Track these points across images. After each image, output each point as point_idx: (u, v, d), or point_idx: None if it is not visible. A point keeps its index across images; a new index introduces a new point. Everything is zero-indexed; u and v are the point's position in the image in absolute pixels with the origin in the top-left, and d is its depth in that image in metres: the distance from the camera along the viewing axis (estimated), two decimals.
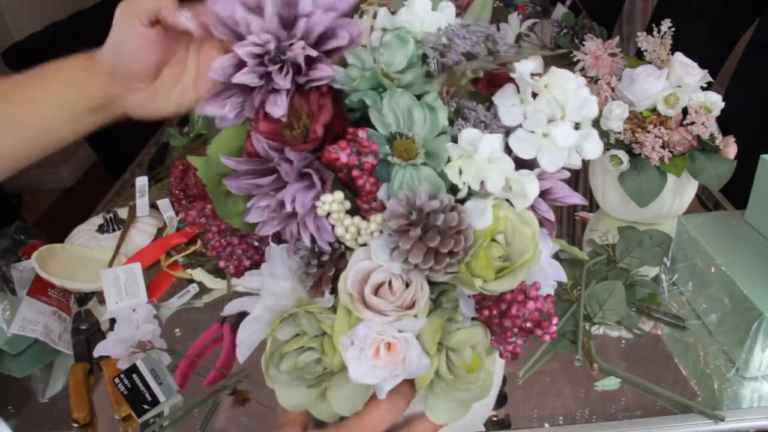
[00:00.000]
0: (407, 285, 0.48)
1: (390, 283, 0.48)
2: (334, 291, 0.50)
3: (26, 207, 2.85)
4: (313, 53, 0.47)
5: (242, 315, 0.91)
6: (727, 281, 0.78)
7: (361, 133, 0.46)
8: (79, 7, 1.91)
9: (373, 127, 0.48)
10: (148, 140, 1.61)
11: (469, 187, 0.47)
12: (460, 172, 0.47)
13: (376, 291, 0.48)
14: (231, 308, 0.57)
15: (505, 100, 0.49)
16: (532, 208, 0.50)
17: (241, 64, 0.47)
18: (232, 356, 0.84)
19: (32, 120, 0.56)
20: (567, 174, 0.52)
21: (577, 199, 0.52)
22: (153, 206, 1.13)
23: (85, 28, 1.87)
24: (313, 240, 0.48)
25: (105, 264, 1.00)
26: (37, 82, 0.58)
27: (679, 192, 1.01)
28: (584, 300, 0.83)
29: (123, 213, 1.11)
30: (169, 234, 1.06)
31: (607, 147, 1.00)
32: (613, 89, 1.00)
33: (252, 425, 0.76)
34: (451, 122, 0.50)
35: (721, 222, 0.89)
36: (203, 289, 0.99)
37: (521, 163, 0.48)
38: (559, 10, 1.76)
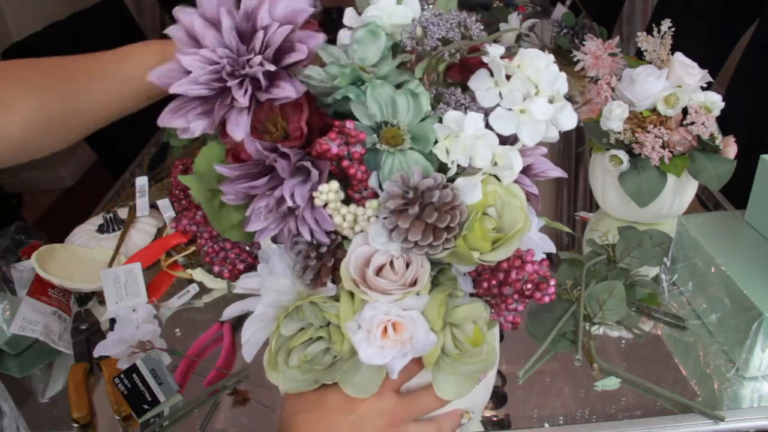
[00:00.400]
0: (407, 265, 0.50)
1: (391, 263, 0.50)
2: (335, 281, 0.52)
3: (26, 207, 2.85)
4: (272, 68, 0.48)
5: (242, 315, 0.91)
6: (727, 281, 0.78)
7: (349, 124, 0.48)
8: (79, 7, 1.91)
9: (348, 119, 0.50)
10: (148, 140, 1.61)
11: (457, 166, 0.49)
12: (447, 153, 0.49)
13: (378, 273, 0.50)
14: (231, 312, 0.57)
15: (480, 85, 0.52)
16: (516, 183, 0.52)
17: (186, 73, 0.48)
18: (232, 356, 0.85)
19: (136, 79, 0.64)
20: (545, 150, 0.54)
21: (557, 172, 0.55)
22: (153, 206, 1.13)
23: (85, 28, 1.87)
24: (311, 234, 0.50)
25: (105, 264, 1.00)
26: (138, 50, 0.66)
27: (679, 192, 1.01)
28: (584, 300, 0.83)
29: (123, 213, 1.11)
30: (169, 234, 1.06)
31: (607, 147, 1.00)
32: (613, 89, 1.00)
33: (252, 425, 0.76)
34: (432, 108, 0.52)
35: (721, 222, 0.89)
36: (203, 289, 0.99)
37: (502, 141, 0.51)
38: (559, 10, 1.76)
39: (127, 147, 1.75)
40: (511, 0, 1.91)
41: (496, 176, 0.52)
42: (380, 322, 0.48)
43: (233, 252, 0.60)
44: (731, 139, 0.97)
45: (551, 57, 0.52)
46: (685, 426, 0.70)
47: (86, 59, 0.67)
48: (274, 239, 0.53)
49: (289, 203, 0.48)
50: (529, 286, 0.50)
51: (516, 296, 0.50)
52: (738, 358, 0.77)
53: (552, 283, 0.50)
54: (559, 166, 0.57)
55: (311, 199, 0.49)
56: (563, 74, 0.52)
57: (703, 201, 1.15)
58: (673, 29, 0.98)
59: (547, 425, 0.72)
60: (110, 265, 0.99)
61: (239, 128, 0.48)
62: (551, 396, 0.76)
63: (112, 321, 0.87)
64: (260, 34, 0.48)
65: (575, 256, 0.90)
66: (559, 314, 0.83)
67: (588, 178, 1.12)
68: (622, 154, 0.98)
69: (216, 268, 0.61)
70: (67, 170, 3.08)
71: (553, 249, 0.55)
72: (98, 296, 0.97)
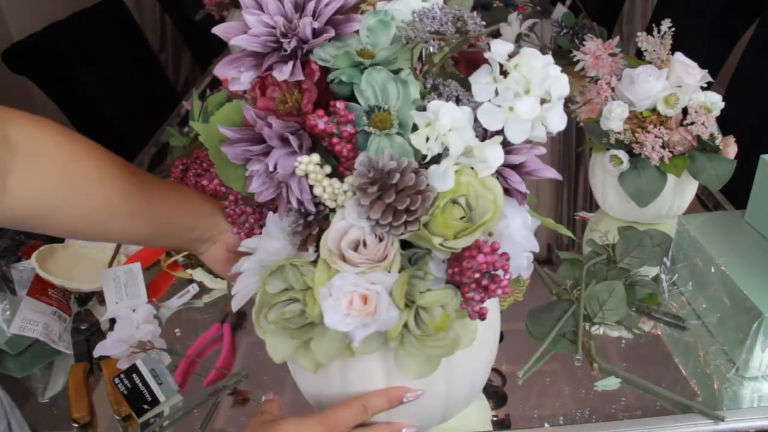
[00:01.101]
0: (380, 241, 0.53)
1: (364, 240, 0.53)
2: (317, 248, 0.55)
3: None
4: (317, 25, 0.54)
5: (242, 315, 0.92)
6: (727, 281, 0.78)
7: (339, 104, 0.51)
8: (79, 7, 1.91)
9: (350, 101, 0.53)
10: (148, 140, 1.61)
11: (437, 155, 0.51)
12: (427, 140, 0.51)
13: (356, 248, 0.53)
14: (236, 267, 0.62)
15: (480, 79, 0.53)
16: (504, 179, 0.54)
17: (245, 31, 0.54)
18: (232, 356, 0.85)
19: (166, 221, 0.66)
20: (543, 150, 0.55)
21: (551, 173, 0.55)
22: None
23: (85, 28, 1.87)
24: (299, 202, 0.54)
25: (105, 264, 0.99)
26: (176, 196, 0.68)
27: (679, 192, 1.01)
28: (584, 300, 0.83)
29: None
30: None
31: (607, 147, 1.00)
32: (613, 89, 1.00)
33: None
34: (424, 97, 0.55)
35: (721, 222, 0.89)
36: (203, 289, 0.99)
37: (490, 136, 0.53)
38: (559, 10, 1.75)
39: (127, 147, 1.75)
40: (511, 0, 1.91)
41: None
42: (347, 292, 0.51)
43: (254, 216, 0.65)
44: (731, 139, 0.97)
45: (550, 58, 0.53)
46: (685, 426, 0.70)
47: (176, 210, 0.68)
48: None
49: (271, 169, 0.53)
50: (482, 276, 0.51)
51: (473, 285, 0.51)
52: (738, 358, 0.77)
53: (506, 276, 0.51)
54: (559, 166, 0.57)
55: (295, 169, 0.52)
56: (564, 76, 0.53)
57: (703, 201, 1.15)
58: (673, 29, 0.98)
59: (547, 425, 0.72)
60: (110, 265, 0.99)
61: (282, 73, 0.53)
62: (551, 396, 0.76)
63: (112, 321, 0.87)
64: (312, 4, 0.54)
65: (575, 256, 0.90)
66: (559, 314, 0.83)
67: (588, 178, 1.12)
68: (622, 154, 0.98)
69: (235, 229, 0.67)
70: None
71: (536, 248, 0.56)
72: (98, 296, 0.97)
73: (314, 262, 0.55)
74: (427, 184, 0.51)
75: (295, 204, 0.54)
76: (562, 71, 0.54)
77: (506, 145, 0.54)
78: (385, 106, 0.53)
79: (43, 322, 0.87)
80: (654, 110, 0.97)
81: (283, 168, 0.52)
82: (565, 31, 1.69)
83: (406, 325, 0.53)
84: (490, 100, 0.52)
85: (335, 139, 0.52)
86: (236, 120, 0.58)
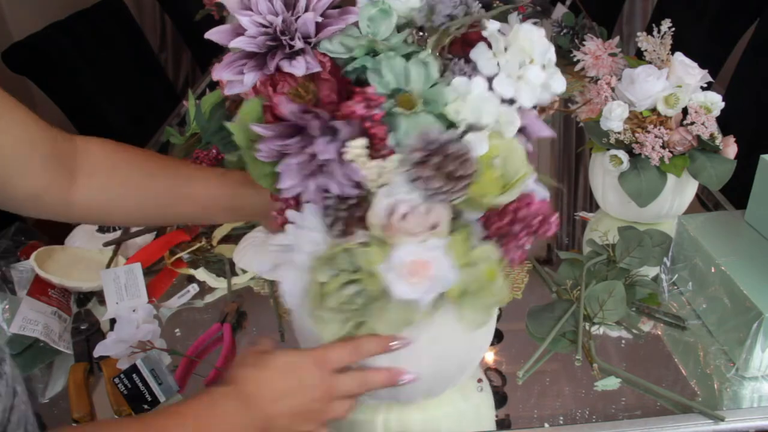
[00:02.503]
0: (428, 211, 0.57)
1: (413, 213, 0.57)
2: (363, 229, 0.59)
3: None
4: (319, 20, 0.57)
5: (242, 315, 0.92)
6: (727, 281, 0.78)
7: (370, 89, 0.56)
8: (79, 7, 1.91)
9: (366, 86, 0.57)
10: (148, 140, 1.61)
11: (466, 125, 0.57)
12: (457, 113, 0.57)
13: (403, 220, 0.57)
14: (266, 264, 0.68)
15: (481, 56, 0.60)
16: None
17: (239, 33, 0.57)
18: (232, 356, 0.85)
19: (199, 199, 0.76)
20: (535, 112, 0.62)
21: (548, 132, 0.63)
22: None
23: (85, 28, 1.87)
24: (341, 188, 0.57)
25: (103, 264, 0.99)
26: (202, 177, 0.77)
27: (679, 192, 1.01)
28: (584, 300, 0.83)
29: None
30: (172, 231, 1.06)
31: (607, 147, 1.00)
32: (613, 89, 1.00)
33: None
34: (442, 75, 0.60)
35: (721, 222, 0.89)
36: (203, 289, 0.99)
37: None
38: (559, 10, 1.76)
39: None
40: (511, 0, 1.91)
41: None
42: (409, 262, 0.56)
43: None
44: (731, 139, 0.97)
45: (543, 30, 0.60)
46: (685, 426, 0.70)
47: None
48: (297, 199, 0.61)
49: (322, 158, 0.55)
50: (535, 222, 0.59)
51: (524, 232, 0.58)
52: (738, 358, 0.77)
53: (554, 217, 0.59)
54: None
55: (340, 154, 0.56)
56: (552, 45, 0.60)
57: (703, 201, 1.15)
58: (673, 29, 0.98)
59: (547, 425, 0.72)
60: (108, 266, 0.99)
61: (298, 68, 0.57)
62: (551, 396, 0.76)
63: (112, 321, 0.87)
64: (303, 1, 0.57)
65: (575, 256, 0.90)
66: (559, 314, 0.83)
67: (588, 178, 1.12)
68: (622, 154, 0.98)
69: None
70: None
71: (547, 196, 0.63)
72: (98, 296, 0.97)
73: (362, 244, 0.59)
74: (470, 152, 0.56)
75: (335, 190, 0.57)
76: (561, 71, 0.59)
77: None
78: (406, 88, 0.58)
79: (43, 321, 0.87)
80: (654, 110, 0.97)
81: (329, 155, 0.56)
82: (565, 31, 1.69)
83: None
84: (498, 72, 0.59)
85: (368, 123, 0.56)
86: (256, 119, 0.60)
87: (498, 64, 0.59)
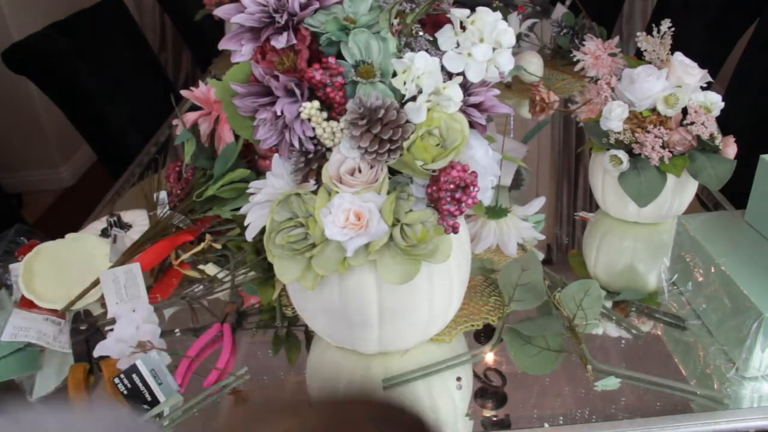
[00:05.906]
0: (368, 170, 0.66)
1: (359, 168, 0.67)
2: (317, 181, 0.69)
3: (26, 207, 2.85)
4: (303, 0, 0.67)
5: (242, 315, 0.92)
6: (727, 281, 0.78)
7: (331, 60, 0.65)
8: (79, 7, 1.91)
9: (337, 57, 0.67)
10: (149, 140, 1.61)
11: (413, 96, 0.65)
12: (404, 84, 0.65)
13: (351, 175, 0.67)
14: (255, 200, 0.73)
15: (444, 34, 0.68)
16: (468, 115, 0.68)
17: (241, 11, 0.67)
18: (232, 356, 0.84)
19: None
20: (497, 91, 0.70)
21: (505, 109, 0.70)
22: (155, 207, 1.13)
23: (85, 28, 1.87)
24: (301, 143, 0.67)
25: (95, 265, 0.99)
26: None
27: (679, 192, 1.01)
28: (562, 300, 0.81)
29: (126, 216, 1.10)
30: (176, 233, 1.06)
31: (607, 147, 1.00)
32: (613, 89, 1.00)
33: None
34: (399, 51, 0.68)
35: (721, 222, 0.89)
36: (203, 289, 0.99)
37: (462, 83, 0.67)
38: (559, 10, 1.75)
39: (127, 147, 1.75)
40: (511, 0, 1.91)
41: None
42: (345, 209, 0.65)
43: None
44: (731, 139, 0.97)
45: (499, 15, 0.67)
46: (685, 426, 0.70)
47: None
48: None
49: (279, 113, 0.65)
50: (456, 189, 0.65)
51: (449, 198, 0.65)
52: (738, 358, 0.77)
53: (475, 188, 0.65)
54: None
55: (299, 114, 0.66)
56: (510, 29, 0.67)
57: (703, 201, 1.15)
58: (673, 29, 0.98)
59: (547, 425, 0.72)
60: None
61: (279, 41, 0.66)
62: (551, 396, 0.76)
63: (113, 321, 0.87)
64: None
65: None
66: (543, 323, 0.81)
67: (588, 178, 1.12)
68: (622, 154, 0.98)
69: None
70: (67, 170, 3.08)
71: (498, 173, 0.71)
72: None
73: (314, 192, 0.68)
74: (406, 120, 0.65)
75: (296, 144, 0.66)
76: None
77: (468, 88, 0.69)
78: (368, 60, 0.66)
79: (35, 327, 0.87)
80: (654, 110, 0.97)
81: (289, 113, 0.65)
82: (565, 31, 1.69)
83: (392, 238, 0.67)
84: (453, 50, 0.67)
85: (328, 89, 0.65)
86: (243, 80, 0.70)
87: (457, 42, 0.67)
